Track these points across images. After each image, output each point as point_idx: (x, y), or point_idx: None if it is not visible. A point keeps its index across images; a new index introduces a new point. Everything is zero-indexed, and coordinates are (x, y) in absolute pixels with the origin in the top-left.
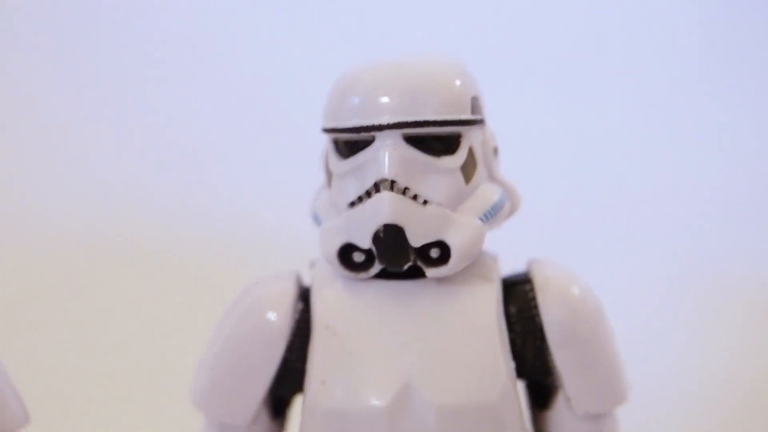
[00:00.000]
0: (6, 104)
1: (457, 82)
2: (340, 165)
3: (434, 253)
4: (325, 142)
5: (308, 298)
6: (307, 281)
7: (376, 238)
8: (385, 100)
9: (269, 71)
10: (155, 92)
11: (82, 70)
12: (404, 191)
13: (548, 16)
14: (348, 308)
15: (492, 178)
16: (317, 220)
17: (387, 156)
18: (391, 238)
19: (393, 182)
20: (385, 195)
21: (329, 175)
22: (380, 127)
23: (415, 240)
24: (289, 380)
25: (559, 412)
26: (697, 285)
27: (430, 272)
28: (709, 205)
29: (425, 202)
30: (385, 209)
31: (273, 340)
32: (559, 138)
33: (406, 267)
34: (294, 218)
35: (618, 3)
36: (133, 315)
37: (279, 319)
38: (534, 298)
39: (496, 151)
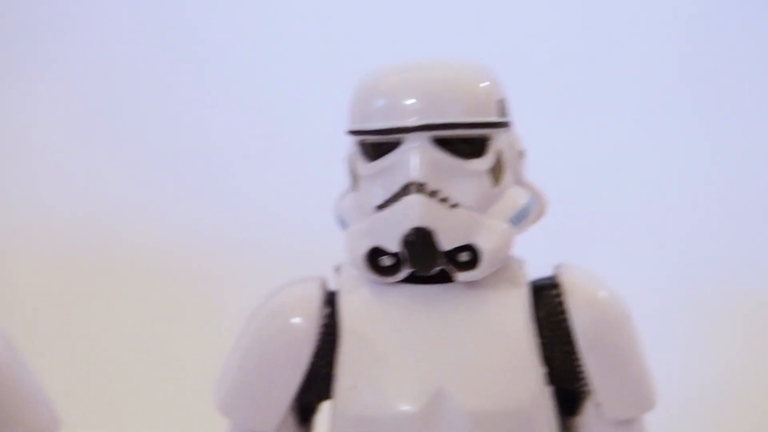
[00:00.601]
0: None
1: (484, 85)
2: (366, 167)
3: (464, 256)
4: (349, 144)
5: (334, 303)
6: (331, 286)
7: (405, 241)
8: (412, 102)
9: (281, 74)
10: (160, 94)
11: (84, 70)
12: (433, 194)
13: (557, 20)
14: (376, 313)
15: (519, 181)
16: (343, 223)
17: (415, 158)
18: (420, 241)
19: (422, 185)
20: (414, 198)
21: (355, 177)
22: (408, 129)
23: (445, 243)
24: (316, 386)
25: (588, 419)
26: (694, 291)
27: (459, 276)
28: (707, 211)
29: (454, 205)
30: (414, 212)
31: (299, 345)
32: (555, 142)
33: (434, 271)
34: (313, 222)
35: (624, 8)
36: (143, 320)
37: (305, 323)
38: (562, 303)
39: (522, 154)
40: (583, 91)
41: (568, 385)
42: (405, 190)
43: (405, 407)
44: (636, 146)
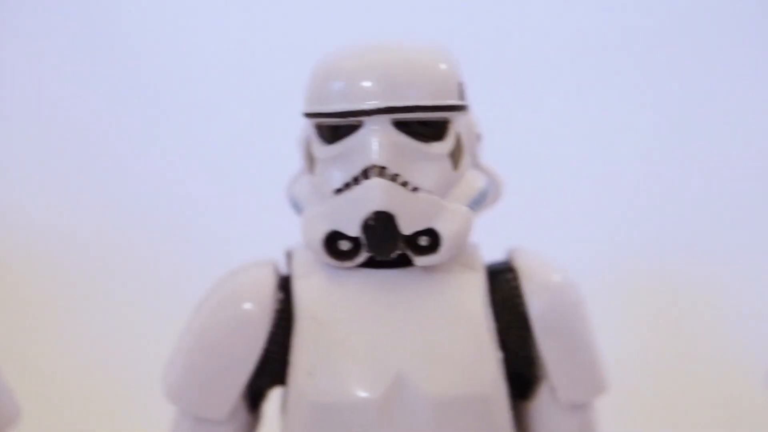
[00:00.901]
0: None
1: (444, 67)
2: (324, 150)
3: (424, 241)
4: (304, 126)
5: (288, 288)
6: (283, 270)
7: (366, 225)
8: (373, 84)
9: (237, 53)
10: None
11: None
12: (394, 178)
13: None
14: (333, 298)
15: (475, 164)
16: (297, 206)
17: (376, 142)
18: (381, 225)
19: (383, 168)
20: (375, 181)
21: (311, 160)
22: (369, 112)
23: (406, 227)
24: (268, 372)
25: (541, 403)
26: (609, 277)
27: (419, 261)
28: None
29: (415, 189)
30: (375, 196)
31: (253, 331)
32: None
33: (394, 255)
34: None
35: None
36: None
37: (259, 309)
38: (518, 287)
39: (479, 137)
40: (515, 72)
41: (522, 370)
42: (365, 174)
43: (365, 393)
44: (565, 130)
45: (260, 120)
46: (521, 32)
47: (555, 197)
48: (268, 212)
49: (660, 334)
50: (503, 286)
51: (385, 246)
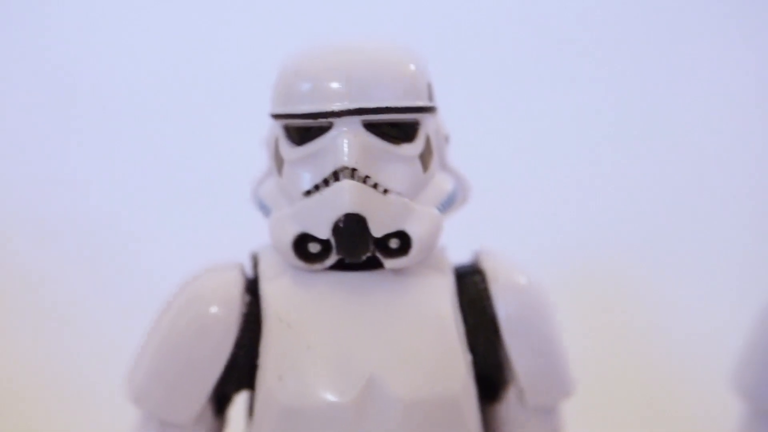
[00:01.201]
0: None
1: (414, 68)
2: (292, 152)
3: (394, 243)
4: (270, 127)
5: (255, 290)
6: (248, 273)
7: (337, 228)
8: (342, 85)
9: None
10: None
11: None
12: (365, 180)
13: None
14: (302, 301)
15: (443, 166)
16: (264, 208)
17: (347, 143)
18: (351, 227)
19: (353, 170)
20: (345, 183)
21: (279, 162)
22: (339, 113)
23: (377, 230)
24: (235, 376)
25: (509, 405)
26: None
27: (389, 263)
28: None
29: (385, 191)
30: (346, 198)
31: (220, 335)
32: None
33: (364, 258)
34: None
35: None
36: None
37: (225, 312)
38: (486, 289)
39: (447, 139)
40: (465, 71)
41: (490, 372)
42: (335, 176)
43: (336, 397)
44: (514, 130)
45: (220, 122)
46: (477, 30)
47: (501, 198)
48: (228, 214)
49: (613, 335)
50: (471, 288)
51: (356, 249)
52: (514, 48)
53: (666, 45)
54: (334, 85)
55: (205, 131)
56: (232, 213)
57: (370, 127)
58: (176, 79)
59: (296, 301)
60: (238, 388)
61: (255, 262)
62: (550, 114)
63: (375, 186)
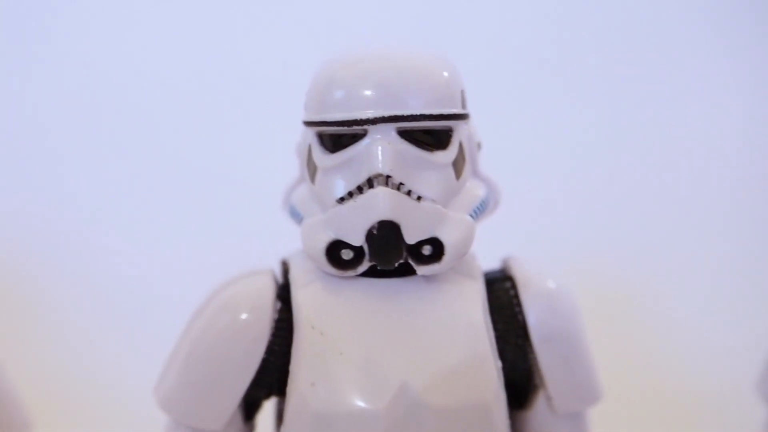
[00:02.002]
0: None
1: (447, 75)
2: (326, 159)
3: (426, 250)
4: (303, 134)
5: (286, 297)
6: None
7: (371, 235)
8: (377, 92)
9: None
10: None
11: None
12: (399, 187)
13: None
14: (335, 308)
15: (475, 173)
16: (296, 215)
17: (380, 150)
18: (386, 234)
19: (388, 177)
20: (379, 190)
21: (312, 169)
22: (373, 121)
23: (410, 237)
24: (266, 382)
25: (537, 412)
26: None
27: (422, 270)
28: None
29: (419, 197)
30: (380, 205)
31: (251, 341)
32: None
33: (396, 265)
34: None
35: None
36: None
37: (257, 318)
38: (516, 296)
39: (479, 145)
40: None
41: (519, 379)
42: (370, 183)
43: (368, 404)
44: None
45: (251, 131)
46: (490, 42)
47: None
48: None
49: (621, 341)
50: (501, 294)
51: (389, 255)
52: (525, 62)
53: (670, 63)
54: (368, 92)
55: (218, 141)
56: (251, 223)
57: (404, 134)
58: (190, 90)
59: (328, 308)
60: (268, 395)
61: (285, 268)
62: (554, 124)
63: (408, 193)
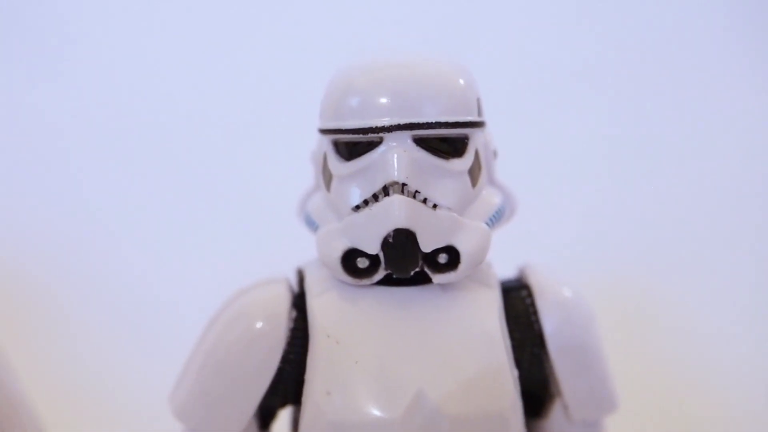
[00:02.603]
0: None
1: (464, 83)
2: (342, 167)
3: (442, 258)
4: (317, 142)
5: (302, 306)
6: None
7: (386, 243)
8: (392, 100)
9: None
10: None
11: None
12: (414, 195)
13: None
14: (350, 316)
15: (491, 181)
16: (311, 223)
17: (396, 158)
18: (401, 243)
19: (403, 185)
20: (396, 198)
21: (327, 177)
22: (389, 129)
23: (426, 245)
24: (281, 391)
25: (554, 421)
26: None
27: (438, 278)
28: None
29: (435, 206)
30: (396, 213)
31: (267, 350)
32: None
33: (412, 273)
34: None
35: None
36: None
37: (272, 327)
38: (533, 304)
39: (495, 153)
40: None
41: (535, 387)
42: (385, 191)
43: (384, 413)
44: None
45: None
46: (503, 53)
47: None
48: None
49: (631, 347)
50: (517, 303)
51: (405, 264)
52: (541, 71)
53: (683, 72)
54: (384, 100)
55: (234, 148)
56: (265, 230)
57: (420, 142)
58: (203, 98)
59: (343, 316)
60: (283, 403)
61: (301, 277)
62: (570, 132)
63: (424, 201)
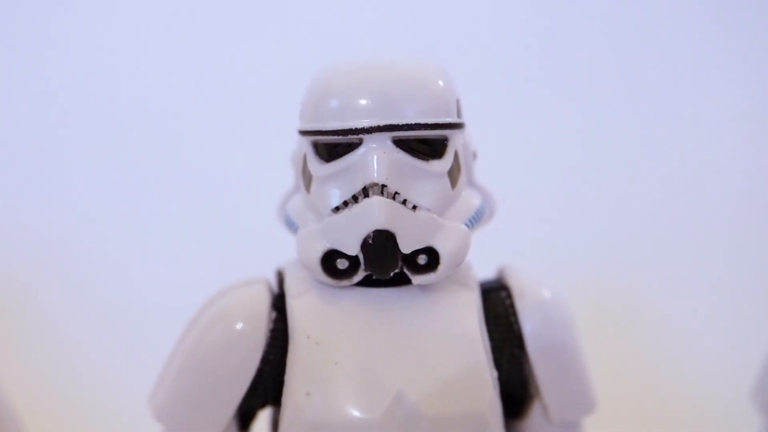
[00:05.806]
0: None
1: (442, 84)
2: (321, 168)
3: (422, 259)
4: (296, 143)
5: (281, 307)
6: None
7: (365, 244)
8: (372, 101)
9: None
10: None
11: None
12: (394, 196)
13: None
14: (329, 317)
15: (471, 182)
16: (291, 225)
17: (376, 159)
18: (381, 244)
19: (383, 186)
20: (375, 200)
21: (307, 178)
22: (369, 130)
23: (406, 246)
24: (261, 392)
25: (533, 421)
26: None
27: (417, 279)
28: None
29: (414, 207)
30: (375, 214)
31: (246, 351)
32: None
33: (392, 274)
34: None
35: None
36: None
37: (252, 328)
38: (512, 305)
39: (475, 155)
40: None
41: (515, 388)
42: (365, 192)
43: (363, 413)
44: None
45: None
46: (487, 48)
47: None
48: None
49: (618, 348)
50: (497, 304)
51: (385, 265)
52: (520, 71)
53: (668, 67)
54: (364, 101)
55: (214, 150)
56: (246, 232)
57: (400, 143)
58: (187, 100)
59: (323, 317)
60: (263, 404)
61: (280, 278)
62: (549, 132)
63: (404, 202)
